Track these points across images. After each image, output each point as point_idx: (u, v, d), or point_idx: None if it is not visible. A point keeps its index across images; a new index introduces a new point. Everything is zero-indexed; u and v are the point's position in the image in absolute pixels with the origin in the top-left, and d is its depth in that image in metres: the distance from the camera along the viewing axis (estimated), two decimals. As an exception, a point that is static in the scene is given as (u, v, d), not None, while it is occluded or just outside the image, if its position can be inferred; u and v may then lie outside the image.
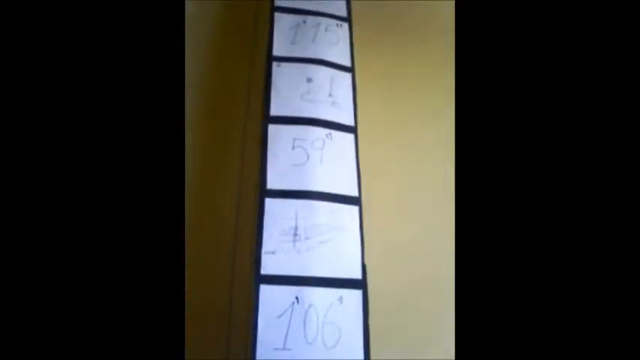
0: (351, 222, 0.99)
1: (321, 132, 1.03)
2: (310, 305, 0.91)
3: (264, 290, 0.90)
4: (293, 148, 1.01)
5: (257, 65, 1.20)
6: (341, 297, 0.93)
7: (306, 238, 0.95)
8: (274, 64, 1.10)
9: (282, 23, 1.15)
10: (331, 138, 1.04)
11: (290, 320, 0.89)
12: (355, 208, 1.00)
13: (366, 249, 0.97)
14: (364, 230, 0.98)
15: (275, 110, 1.04)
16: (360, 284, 0.95)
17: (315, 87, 1.08)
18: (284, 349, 0.88)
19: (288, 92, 1.06)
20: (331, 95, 1.08)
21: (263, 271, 0.91)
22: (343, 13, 1.21)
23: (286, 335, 0.89)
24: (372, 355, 0.91)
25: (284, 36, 1.14)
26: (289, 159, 1.00)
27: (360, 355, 0.91)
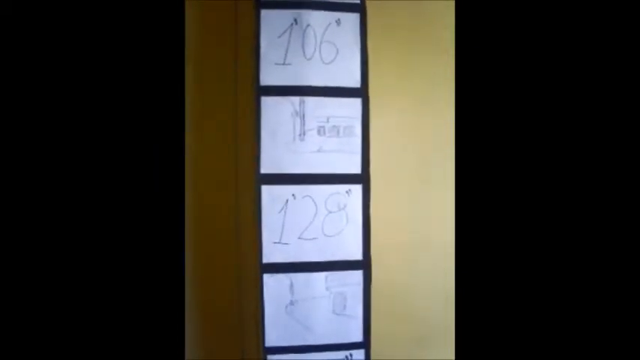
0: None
1: None
2: (308, 26, 0.97)
3: (265, 14, 0.97)
4: None
5: None
6: (339, 19, 0.98)
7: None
8: None
9: None
10: None
11: (289, 39, 0.97)
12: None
13: None
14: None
15: None
16: (357, 8, 0.98)
17: None
18: (284, 64, 0.97)
19: None
20: None
21: (263, -1, 0.98)
22: None
23: (286, 52, 0.97)
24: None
25: None
26: None
27: (356, 66, 0.98)
